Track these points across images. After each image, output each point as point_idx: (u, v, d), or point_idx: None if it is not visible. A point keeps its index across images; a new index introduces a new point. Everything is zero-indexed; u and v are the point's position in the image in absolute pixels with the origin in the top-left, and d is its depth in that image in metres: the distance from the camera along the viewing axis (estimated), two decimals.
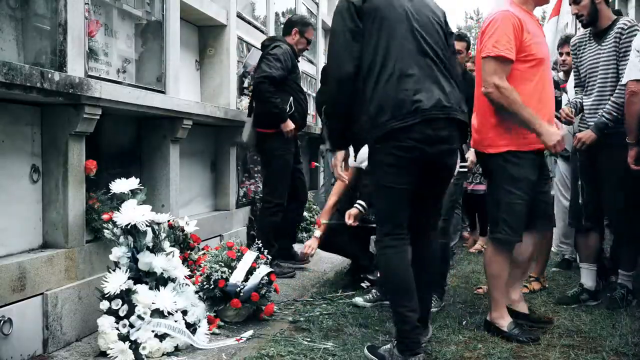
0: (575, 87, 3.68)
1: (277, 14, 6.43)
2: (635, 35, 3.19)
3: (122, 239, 2.76)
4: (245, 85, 5.48)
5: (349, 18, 2.50)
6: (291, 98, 4.33)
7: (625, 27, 3.29)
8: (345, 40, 2.49)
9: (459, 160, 2.85)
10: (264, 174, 4.65)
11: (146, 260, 2.75)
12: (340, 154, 2.69)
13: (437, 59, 2.51)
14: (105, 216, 2.81)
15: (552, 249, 4.70)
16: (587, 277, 3.57)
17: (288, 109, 4.27)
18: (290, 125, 4.26)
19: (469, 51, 4.44)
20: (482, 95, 2.88)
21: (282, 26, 4.98)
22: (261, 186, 5.08)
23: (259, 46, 5.71)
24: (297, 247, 4.78)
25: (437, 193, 2.71)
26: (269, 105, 4.17)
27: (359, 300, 3.53)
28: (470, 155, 3.51)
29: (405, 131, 2.39)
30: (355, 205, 3.72)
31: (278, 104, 4.19)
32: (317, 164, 5.11)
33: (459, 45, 4.30)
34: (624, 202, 3.32)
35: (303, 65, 7.26)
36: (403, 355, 2.47)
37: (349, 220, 3.65)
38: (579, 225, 3.60)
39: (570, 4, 3.51)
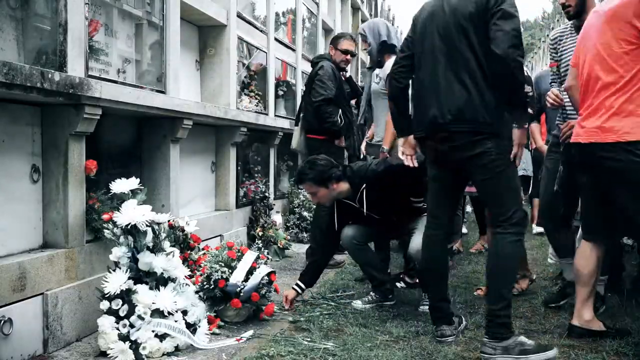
0: (551, 82, 3.53)
1: (277, 14, 6.44)
2: None
3: (122, 239, 2.76)
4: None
5: None
6: (340, 111, 4.70)
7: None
8: None
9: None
10: None
11: (146, 260, 2.75)
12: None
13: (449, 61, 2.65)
14: (105, 216, 2.81)
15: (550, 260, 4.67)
16: (569, 271, 3.37)
17: (338, 120, 4.65)
18: (343, 140, 4.76)
19: None
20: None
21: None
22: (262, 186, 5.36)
23: (259, 46, 5.74)
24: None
25: (481, 188, 2.77)
26: (328, 124, 4.60)
27: (357, 303, 3.52)
28: None
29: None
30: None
31: (336, 122, 4.62)
32: None
33: None
34: None
35: (303, 65, 7.28)
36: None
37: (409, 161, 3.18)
38: (551, 225, 3.46)
39: None
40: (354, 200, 3.43)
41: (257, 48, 5.74)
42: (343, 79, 4.95)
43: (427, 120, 2.75)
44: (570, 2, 3.26)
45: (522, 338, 2.61)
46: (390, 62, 3.83)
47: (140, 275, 2.75)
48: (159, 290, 2.75)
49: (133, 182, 2.89)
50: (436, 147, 2.78)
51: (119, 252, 2.74)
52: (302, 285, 3.51)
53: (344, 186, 3.39)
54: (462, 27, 2.64)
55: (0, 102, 2.53)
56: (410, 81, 2.98)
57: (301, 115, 5.01)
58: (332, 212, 3.54)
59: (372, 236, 3.71)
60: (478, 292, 3.79)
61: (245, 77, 5.53)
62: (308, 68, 7.62)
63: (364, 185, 3.37)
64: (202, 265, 3.23)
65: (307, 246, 5.74)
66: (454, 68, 2.66)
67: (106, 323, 2.61)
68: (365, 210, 3.40)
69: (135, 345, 2.59)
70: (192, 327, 2.81)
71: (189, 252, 3.43)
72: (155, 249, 2.82)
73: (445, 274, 3.00)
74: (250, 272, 3.18)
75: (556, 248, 3.62)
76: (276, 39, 6.21)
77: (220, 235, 4.57)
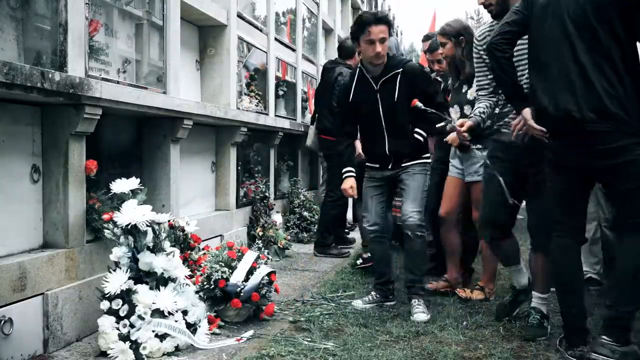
0: (478, 90, 3.27)
1: (277, 14, 6.43)
2: None
3: (122, 239, 2.76)
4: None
5: None
6: None
7: None
8: None
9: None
10: (330, 174, 5.36)
11: (146, 260, 2.75)
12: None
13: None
14: (105, 216, 2.81)
15: None
16: (519, 276, 3.21)
17: None
18: (359, 145, 4.68)
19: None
20: None
21: (338, 50, 5.60)
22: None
23: (259, 46, 5.74)
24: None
25: (619, 195, 2.59)
26: None
27: (357, 303, 3.52)
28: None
29: None
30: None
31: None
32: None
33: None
34: None
35: (303, 65, 7.28)
36: None
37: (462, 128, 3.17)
38: (496, 234, 3.14)
39: None
40: (379, 80, 3.41)
41: (258, 48, 5.74)
42: None
43: (557, 114, 2.51)
44: (490, 0, 3.05)
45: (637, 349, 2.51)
46: None
47: (140, 275, 2.75)
48: (159, 290, 2.75)
49: (133, 182, 2.89)
50: (566, 145, 2.55)
51: (119, 252, 2.74)
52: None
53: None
54: (602, 12, 2.41)
55: (0, 102, 2.53)
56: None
57: (316, 116, 5.45)
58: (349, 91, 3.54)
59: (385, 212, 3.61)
60: (460, 292, 3.70)
61: (245, 77, 5.52)
62: (308, 68, 7.66)
63: (399, 70, 3.39)
64: (202, 265, 3.23)
65: (307, 246, 5.76)
66: (592, 57, 2.43)
67: (106, 323, 2.61)
68: (379, 95, 3.40)
69: (135, 345, 2.59)
70: (192, 327, 2.81)
71: (189, 252, 3.43)
72: (156, 249, 2.82)
73: (582, 287, 2.73)
74: (250, 272, 3.19)
75: (502, 257, 3.32)
76: (276, 39, 6.21)
77: (220, 235, 4.57)
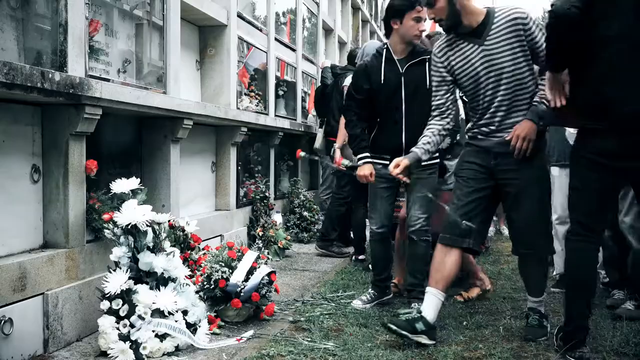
0: (433, 110, 3.09)
1: (277, 14, 6.43)
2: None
3: (122, 239, 2.76)
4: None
5: None
6: None
7: (525, 17, 2.80)
8: None
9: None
10: (337, 175, 5.29)
11: (147, 260, 2.75)
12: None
13: None
14: (105, 216, 2.81)
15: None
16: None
17: None
18: (338, 154, 4.85)
19: None
20: None
21: (349, 58, 5.64)
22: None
23: (259, 46, 5.74)
24: None
25: None
26: None
27: (357, 303, 3.50)
28: None
29: None
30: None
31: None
32: (303, 154, 5.39)
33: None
34: None
35: (303, 65, 7.28)
36: None
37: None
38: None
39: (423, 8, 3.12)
40: (405, 63, 3.35)
41: (258, 48, 5.74)
42: None
43: (622, 112, 2.38)
44: (440, 15, 2.85)
45: None
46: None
47: (140, 275, 2.75)
48: (159, 290, 2.75)
49: (133, 182, 2.89)
50: (621, 144, 2.42)
51: (119, 252, 2.74)
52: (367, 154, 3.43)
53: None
54: None
55: (0, 102, 2.53)
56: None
57: (325, 119, 5.59)
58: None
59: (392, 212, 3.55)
60: (458, 298, 3.66)
61: (245, 77, 5.53)
62: (308, 68, 7.66)
63: (427, 56, 3.31)
64: (202, 265, 3.23)
65: (307, 246, 5.76)
66: None
67: (106, 323, 2.61)
68: (403, 79, 3.33)
69: (135, 345, 2.59)
70: (192, 327, 2.81)
71: (189, 252, 3.43)
72: (156, 249, 2.83)
73: (593, 293, 2.73)
74: (250, 272, 3.18)
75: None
76: (276, 39, 6.21)
77: (220, 235, 4.57)
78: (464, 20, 2.83)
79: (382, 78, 3.37)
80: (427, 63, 3.32)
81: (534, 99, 2.85)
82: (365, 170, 3.39)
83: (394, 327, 2.74)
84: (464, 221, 2.81)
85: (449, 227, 2.88)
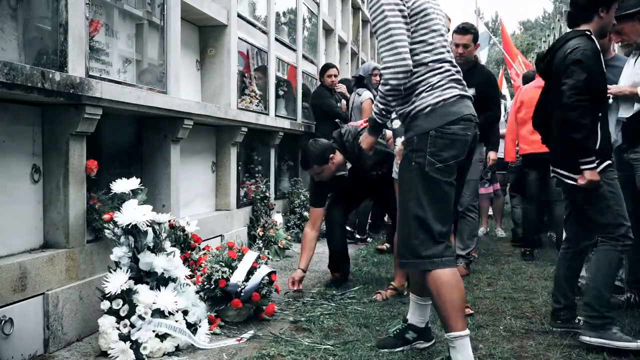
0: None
1: (277, 14, 6.43)
2: None
3: (123, 239, 2.76)
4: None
5: None
6: None
7: None
8: None
9: None
10: None
11: (147, 260, 2.75)
12: None
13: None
14: (106, 216, 2.81)
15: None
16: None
17: None
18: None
19: (477, 43, 4.48)
20: None
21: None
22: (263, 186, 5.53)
23: (259, 46, 5.75)
24: None
25: None
26: None
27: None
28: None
29: None
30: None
31: None
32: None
33: (465, 39, 4.29)
34: None
35: (303, 65, 7.28)
36: None
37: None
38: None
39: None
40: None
41: (258, 48, 5.74)
42: None
43: None
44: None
45: None
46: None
47: (141, 275, 2.75)
48: (159, 290, 2.75)
49: (134, 182, 2.89)
50: None
51: (119, 252, 2.74)
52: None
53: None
54: None
55: (1, 102, 2.53)
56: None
57: None
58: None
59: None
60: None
61: (245, 77, 5.53)
62: (308, 68, 7.65)
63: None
64: (202, 265, 3.23)
65: None
66: None
67: (107, 323, 2.61)
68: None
69: (135, 345, 2.59)
70: (192, 327, 2.81)
71: (189, 252, 3.43)
72: (156, 249, 2.83)
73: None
74: (250, 272, 3.19)
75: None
76: (276, 39, 6.21)
77: (220, 235, 4.57)
78: None
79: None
80: None
81: None
82: None
83: (387, 350, 2.70)
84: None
85: None
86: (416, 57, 2.40)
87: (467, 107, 2.44)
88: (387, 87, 2.40)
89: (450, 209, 2.43)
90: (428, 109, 2.38)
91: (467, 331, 2.37)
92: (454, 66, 2.50)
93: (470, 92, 2.73)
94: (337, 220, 4.17)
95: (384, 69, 2.40)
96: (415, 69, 2.40)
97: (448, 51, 2.50)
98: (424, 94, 2.39)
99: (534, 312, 3.40)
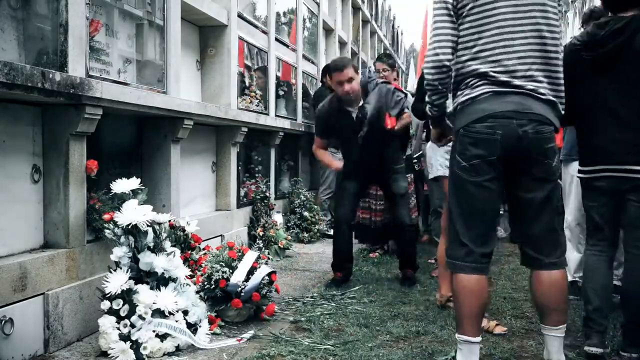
0: None
1: (277, 14, 6.44)
2: None
3: (123, 239, 2.76)
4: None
5: None
6: None
7: None
8: None
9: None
10: None
11: (147, 260, 2.75)
12: None
13: None
14: (106, 216, 2.81)
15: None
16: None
17: None
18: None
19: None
20: None
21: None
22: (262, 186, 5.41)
23: (259, 46, 5.75)
24: None
25: None
26: None
27: None
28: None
29: None
30: None
31: None
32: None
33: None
34: None
35: (304, 65, 7.28)
36: None
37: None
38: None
39: None
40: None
41: (258, 48, 5.74)
42: None
43: None
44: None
45: None
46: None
47: (141, 275, 2.75)
48: (159, 290, 2.75)
49: (134, 182, 2.89)
50: None
51: (119, 252, 2.74)
52: None
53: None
54: None
55: (1, 102, 2.53)
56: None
57: None
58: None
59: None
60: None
61: (245, 77, 5.53)
62: (308, 68, 7.65)
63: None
64: (202, 265, 3.24)
65: (308, 246, 5.77)
66: None
67: (107, 323, 2.61)
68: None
69: (136, 345, 2.59)
70: (192, 327, 2.81)
71: (189, 252, 3.43)
72: (156, 249, 2.83)
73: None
74: (251, 272, 3.19)
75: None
76: (277, 39, 6.21)
77: (221, 235, 4.57)
78: None
79: None
80: None
81: None
82: None
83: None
84: None
85: None
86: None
87: (505, 104, 2.25)
88: (425, 82, 2.42)
89: (479, 212, 2.30)
90: (458, 107, 2.36)
91: (478, 339, 2.31)
92: None
93: None
94: (345, 220, 4.16)
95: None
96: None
97: None
98: (459, 92, 2.37)
99: (534, 312, 3.39)
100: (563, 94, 2.33)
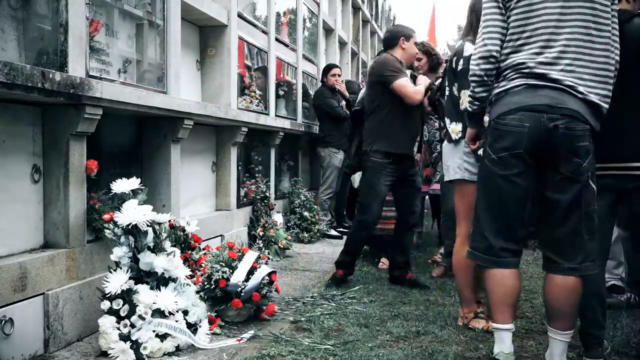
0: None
1: (278, 14, 6.43)
2: None
3: (123, 239, 2.76)
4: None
5: None
6: None
7: None
8: None
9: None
10: None
11: (147, 260, 2.75)
12: None
13: None
14: (106, 216, 2.81)
15: None
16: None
17: None
18: None
19: None
20: None
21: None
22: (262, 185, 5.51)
23: (259, 46, 5.75)
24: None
25: None
26: None
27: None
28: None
29: None
30: None
31: None
32: None
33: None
34: None
35: (304, 65, 7.27)
36: None
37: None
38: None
39: None
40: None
41: (258, 48, 5.74)
42: None
43: None
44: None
45: None
46: None
47: (141, 275, 2.75)
48: (159, 290, 2.75)
49: (134, 182, 2.89)
50: None
51: (119, 252, 2.74)
52: None
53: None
54: None
55: (1, 102, 2.53)
56: None
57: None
58: None
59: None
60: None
61: (245, 77, 5.53)
62: (308, 68, 7.65)
63: None
64: (203, 265, 3.24)
65: (308, 246, 5.76)
66: None
67: (107, 323, 2.61)
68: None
69: (136, 345, 2.59)
70: (193, 327, 2.81)
71: (189, 252, 3.43)
72: (156, 249, 2.83)
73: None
74: (251, 272, 3.19)
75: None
76: (277, 39, 6.21)
77: (221, 235, 4.57)
78: None
79: None
80: None
81: None
82: None
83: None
84: None
85: None
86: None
87: (539, 97, 2.20)
88: (470, 73, 2.41)
89: (503, 206, 2.28)
90: (493, 98, 2.37)
91: (509, 325, 2.31)
92: None
93: None
94: (371, 228, 4.11)
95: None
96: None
97: None
98: (496, 84, 2.37)
99: (534, 312, 3.40)
100: (609, 95, 2.24)
